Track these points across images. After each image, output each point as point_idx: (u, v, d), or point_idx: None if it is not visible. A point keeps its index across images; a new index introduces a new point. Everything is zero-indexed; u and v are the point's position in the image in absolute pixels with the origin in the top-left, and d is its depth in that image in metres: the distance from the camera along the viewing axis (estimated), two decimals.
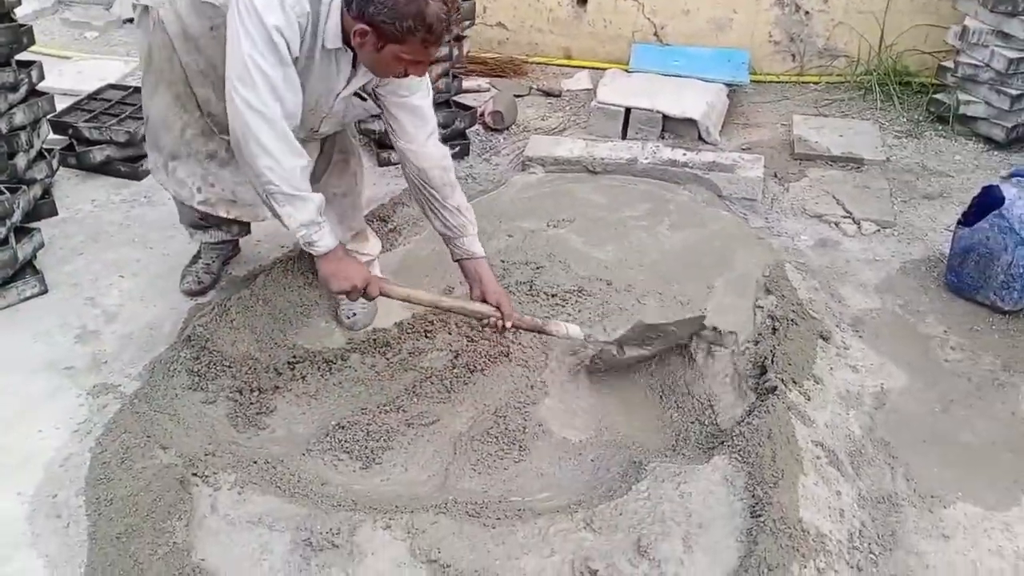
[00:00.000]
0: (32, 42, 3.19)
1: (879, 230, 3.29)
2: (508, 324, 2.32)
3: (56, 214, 3.25)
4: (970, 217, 2.91)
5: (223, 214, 2.56)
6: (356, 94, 2.31)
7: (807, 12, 4.22)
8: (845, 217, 3.34)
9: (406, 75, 2.13)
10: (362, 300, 2.32)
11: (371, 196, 3.43)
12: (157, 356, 2.57)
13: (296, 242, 2.27)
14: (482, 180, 3.52)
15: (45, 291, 2.86)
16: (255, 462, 2.17)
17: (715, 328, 2.53)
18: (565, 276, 2.83)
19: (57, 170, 3.37)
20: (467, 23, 3.47)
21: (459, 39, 3.48)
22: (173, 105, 2.43)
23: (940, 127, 3.93)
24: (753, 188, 3.32)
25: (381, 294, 2.27)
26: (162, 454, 2.14)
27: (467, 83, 3.98)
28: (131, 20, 4.95)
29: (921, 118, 4.00)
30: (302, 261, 2.93)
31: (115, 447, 2.19)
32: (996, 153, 3.77)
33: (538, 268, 2.85)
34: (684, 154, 3.44)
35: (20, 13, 3.19)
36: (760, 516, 1.96)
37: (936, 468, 2.31)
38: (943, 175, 3.65)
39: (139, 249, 3.12)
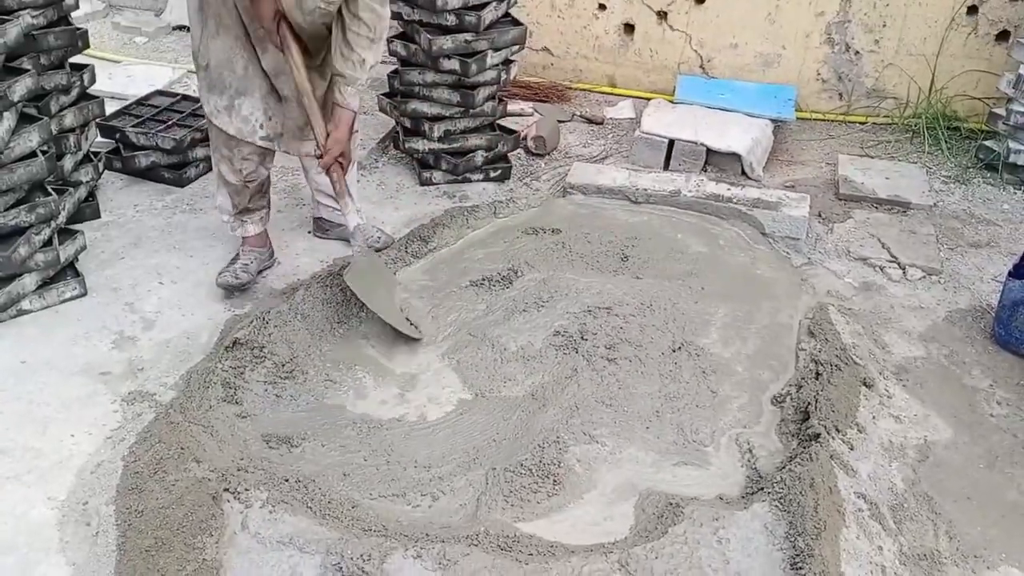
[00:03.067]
0: (87, 46, 3.23)
1: (925, 276, 3.23)
2: (322, 164, 2.75)
3: (99, 217, 3.28)
4: (1021, 270, 2.85)
5: (279, 148, 2.87)
6: None
7: (857, 52, 4.18)
8: (891, 262, 3.28)
9: None
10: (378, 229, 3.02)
11: (411, 216, 3.43)
12: (194, 366, 2.57)
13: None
14: (522, 204, 3.50)
15: (85, 293, 2.87)
16: (287, 480, 2.15)
17: None
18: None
19: (102, 173, 3.40)
20: (517, 47, 3.46)
21: (507, 63, 3.48)
22: (234, 45, 2.68)
23: (988, 174, 3.87)
24: (798, 227, 3.27)
25: (281, 43, 2.59)
26: (196, 467, 2.13)
27: (511, 107, 3.98)
28: (180, 27, 5.01)
29: (969, 164, 3.94)
30: (341, 277, 2.93)
31: (148, 457, 2.18)
32: None
33: (588, 307, 2.83)
34: (728, 189, 3.41)
35: (73, 16, 3.23)
36: (801, 568, 1.91)
37: (980, 527, 2.25)
38: (991, 223, 3.58)
39: (179, 256, 3.12)
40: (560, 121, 4.24)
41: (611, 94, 4.58)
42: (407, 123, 3.56)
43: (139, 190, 3.50)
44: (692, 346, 2.71)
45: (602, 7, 4.43)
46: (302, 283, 2.97)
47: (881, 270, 3.26)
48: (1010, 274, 2.85)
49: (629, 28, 4.44)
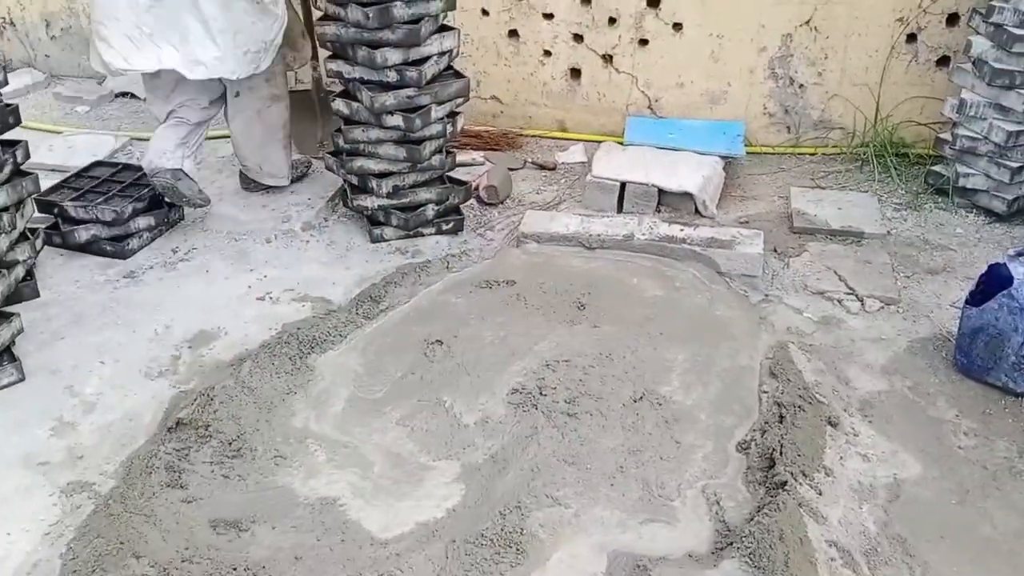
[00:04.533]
0: (18, 121, 3.13)
1: (883, 307, 3.21)
2: None
3: (38, 296, 3.17)
4: (977, 296, 2.83)
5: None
6: None
7: (801, 85, 4.21)
8: (848, 294, 3.26)
9: None
10: None
11: (363, 274, 3.36)
12: (135, 450, 2.46)
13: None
14: (476, 255, 3.45)
15: (22, 379, 2.76)
16: (235, 569, 2.04)
17: None
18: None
19: (41, 250, 3.29)
20: (461, 100, 3.43)
21: (453, 115, 3.44)
22: None
23: (939, 199, 3.89)
24: (753, 264, 3.25)
25: None
26: (135, 563, 2.01)
27: (461, 157, 3.94)
28: (123, 94, 4.94)
29: (920, 190, 3.96)
30: (290, 346, 2.84)
31: (87, 554, 2.07)
32: (998, 226, 3.71)
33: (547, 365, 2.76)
34: (681, 230, 3.38)
35: (12, 88, 3.16)
36: None
37: (956, 566, 2.19)
38: (945, 249, 3.58)
39: (122, 332, 3.02)
40: (512, 169, 4.21)
41: (562, 139, 4.57)
42: (354, 180, 3.51)
43: (80, 265, 3.40)
44: (654, 395, 2.65)
45: (547, 53, 4.43)
46: (250, 354, 2.87)
47: (839, 303, 3.24)
48: (967, 301, 2.83)
49: (576, 73, 4.45)
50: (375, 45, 3.12)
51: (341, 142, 3.40)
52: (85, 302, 3.17)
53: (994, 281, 2.84)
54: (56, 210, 3.42)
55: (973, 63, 3.62)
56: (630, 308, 3.03)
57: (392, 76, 3.19)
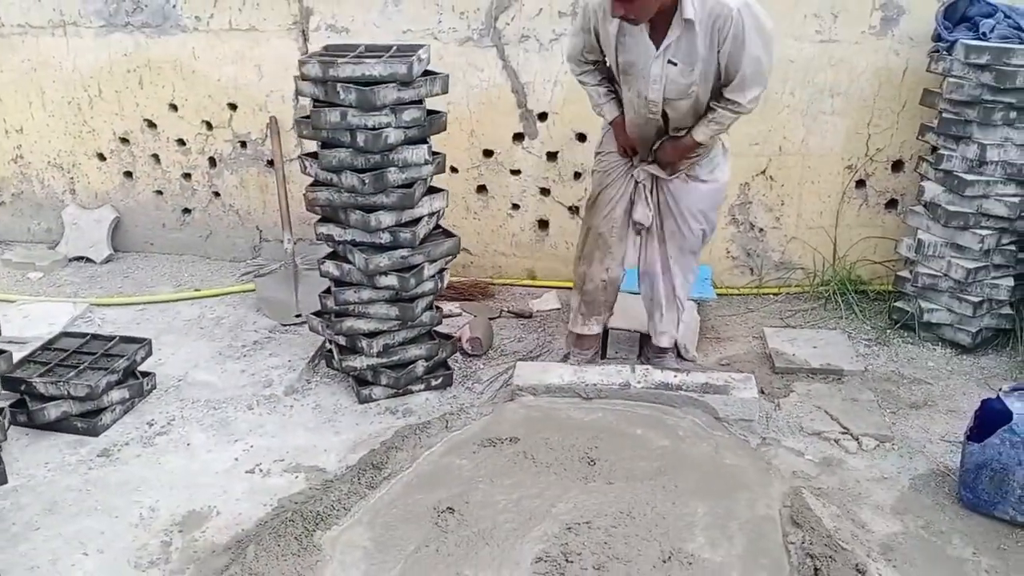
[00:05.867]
0: None
1: (879, 445, 3.25)
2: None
3: (6, 482, 2.93)
4: (975, 432, 2.90)
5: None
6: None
7: (761, 229, 4.41)
8: (843, 433, 3.30)
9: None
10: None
11: (356, 438, 3.24)
12: None
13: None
14: (473, 412, 3.36)
15: None
16: None
17: None
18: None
19: (7, 431, 3.07)
20: (451, 257, 3.46)
21: (442, 271, 3.45)
22: None
23: (906, 334, 4.05)
24: (750, 409, 3.28)
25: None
26: None
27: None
28: (78, 259, 4.79)
29: (885, 325, 4.12)
30: (294, 524, 2.68)
31: None
32: (965, 358, 3.87)
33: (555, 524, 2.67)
34: (675, 376, 3.40)
35: None
36: None
37: None
38: (922, 382, 3.70)
39: (102, 519, 2.79)
40: (489, 318, 4.21)
41: (533, 287, 4.62)
42: (342, 341, 3.44)
43: (49, 444, 3.17)
44: (682, 553, 2.57)
45: (516, 207, 4.54)
46: (248, 534, 2.69)
47: (836, 443, 3.27)
48: (968, 437, 2.89)
49: (543, 224, 4.56)
50: (369, 209, 3.14)
51: (331, 303, 3.35)
52: (58, 486, 2.94)
53: (988, 416, 2.92)
54: (23, 387, 3.22)
55: (925, 206, 3.86)
56: (639, 460, 2.99)
57: (385, 238, 3.20)
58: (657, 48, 2.93)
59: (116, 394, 3.30)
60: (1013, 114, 3.50)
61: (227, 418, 3.37)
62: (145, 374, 3.51)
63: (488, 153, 4.44)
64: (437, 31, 4.24)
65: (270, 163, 4.64)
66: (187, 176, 4.81)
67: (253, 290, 4.44)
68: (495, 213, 4.56)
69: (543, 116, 4.35)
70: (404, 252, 3.21)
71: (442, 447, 3.07)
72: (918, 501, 2.96)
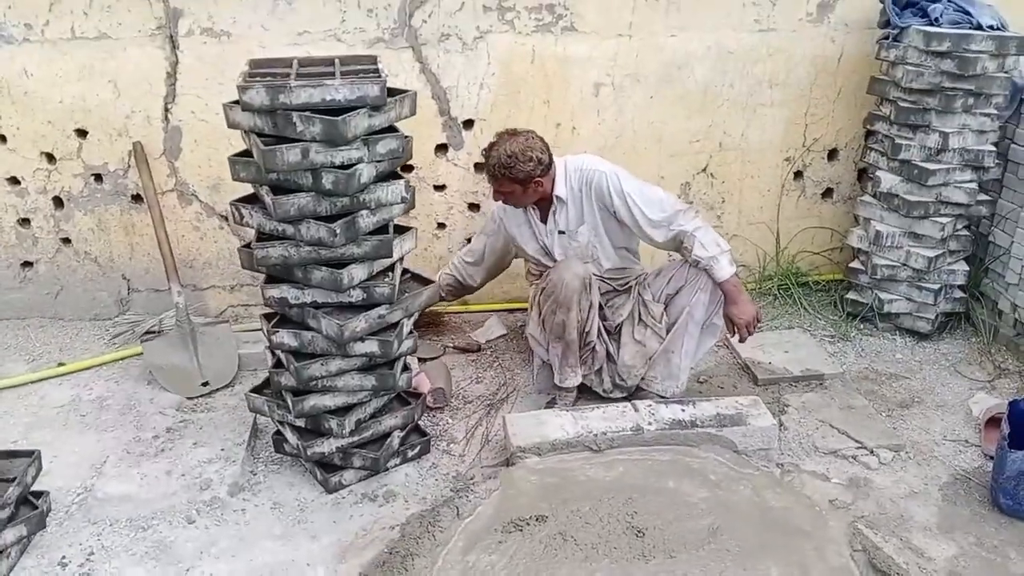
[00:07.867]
0: None
1: (895, 455, 3.13)
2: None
3: None
4: (1015, 439, 2.82)
5: None
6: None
7: None
8: (859, 448, 3.15)
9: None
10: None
11: (339, 542, 2.67)
12: None
13: None
14: (480, 489, 2.85)
15: None
16: None
17: None
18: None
19: None
20: (428, 308, 2.91)
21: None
22: None
23: (861, 325, 3.98)
24: (770, 438, 3.03)
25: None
26: None
27: None
28: None
29: (836, 318, 4.04)
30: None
31: None
32: (926, 344, 3.86)
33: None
34: (683, 410, 3.08)
35: None
36: None
37: None
38: (899, 377, 3.63)
39: None
40: (433, 358, 3.70)
41: (468, 312, 4.14)
42: (301, 423, 2.81)
43: None
44: None
45: (441, 226, 4.03)
46: None
47: (855, 459, 3.11)
48: (1009, 445, 2.80)
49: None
50: (338, 264, 2.53)
51: (286, 380, 2.71)
52: None
53: (1015, 417, 2.87)
54: None
55: (879, 196, 3.78)
56: (687, 521, 2.65)
57: (357, 295, 2.61)
58: (545, 224, 3.30)
59: (10, 534, 2.51)
60: (971, 100, 3.46)
61: (164, 540, 2.66)
62: (37, 494, 2.71)
63: (407, 168, 3.88)
64: (341, 32, 3.61)
65: (136, 198, 3.81)
66: (25, 222, 3.86)
67: (137, 355, 3.64)
68: (419, 234, 4.00)
69: (469, 123, 3.85)
70: (382, 310, 2.64)
71: (462, 542, 2.56)
72: (958, 515, 2.85)
